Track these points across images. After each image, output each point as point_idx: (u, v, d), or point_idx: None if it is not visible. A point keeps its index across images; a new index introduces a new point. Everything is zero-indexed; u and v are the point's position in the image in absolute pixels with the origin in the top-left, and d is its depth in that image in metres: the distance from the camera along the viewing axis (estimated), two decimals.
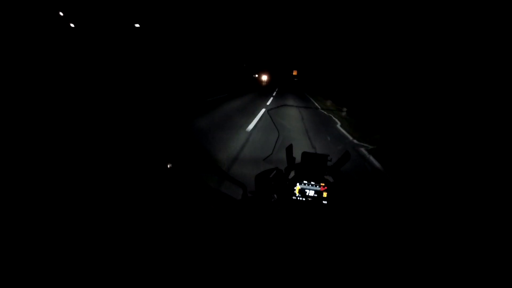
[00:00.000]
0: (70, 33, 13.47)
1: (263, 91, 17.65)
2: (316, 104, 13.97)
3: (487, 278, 0.98)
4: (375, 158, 3.76)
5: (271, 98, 13.42)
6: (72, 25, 13.83)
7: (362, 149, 4.66)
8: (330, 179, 1.31)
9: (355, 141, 5.39)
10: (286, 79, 43.64)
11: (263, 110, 8.45)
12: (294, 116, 8.13)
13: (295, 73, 42.12)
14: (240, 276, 0.91)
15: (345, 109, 10.06)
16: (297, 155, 1.36)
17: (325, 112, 10.33)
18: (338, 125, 7.44)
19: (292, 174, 1.34)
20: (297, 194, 1.28)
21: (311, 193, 1.28)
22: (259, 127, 5.62)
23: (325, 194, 1.27)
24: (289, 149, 1.38)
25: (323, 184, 1.28)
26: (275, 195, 1.30)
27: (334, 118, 8.72)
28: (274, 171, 1.33)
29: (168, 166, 1.16)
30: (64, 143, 2.97)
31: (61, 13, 12.83)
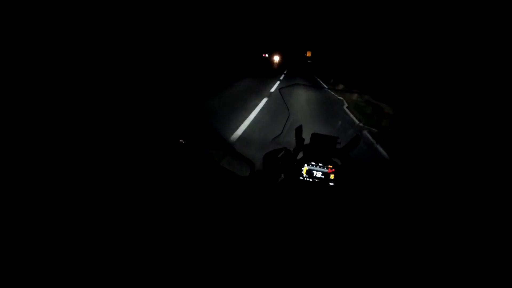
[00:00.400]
0: None
1: (267, 76, 14.64)
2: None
3: (487, 277, 0.98)
4: (382, 147, 3.70)
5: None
6: None
7: (366, 132, 4.56)
8: (338, 161, 1.32)
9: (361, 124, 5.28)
10: (298, 60, 38.30)
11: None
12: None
13: (309, 54, 36.67)
14: (245, 254, 0.94)
15: (341, 86, 11.62)
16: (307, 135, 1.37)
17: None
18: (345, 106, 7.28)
19: (300, 155, 1.35)
20: (304, 175, 1.29)
21: (318, 174, 1.29)
22: None
23: (332, 176, 1.29)
24: (299, 129, 1.38)
25: (331, 166, 1.29)
26: (283, 175, 1.32)
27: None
28: (283, 151, 1.34)
29: (181, 141, 1.18)
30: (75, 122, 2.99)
31: None
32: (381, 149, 3.56)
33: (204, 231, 1.01)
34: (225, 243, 0.97)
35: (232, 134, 3.63)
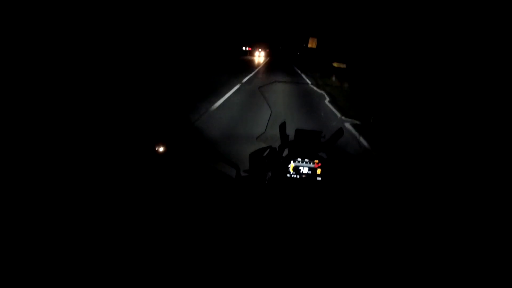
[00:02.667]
0: None
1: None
2: None
3: (486, 276, 0.98)
4: (364, 139, 3.74)
5: None
6: None
7: (348, 125, 4.61)
8: (324, 155, 1.32)
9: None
10: (295, 54, 24.11)
11: None
12: None
13: (312, 44, 19.93)
14: (237, 257, 0.92)
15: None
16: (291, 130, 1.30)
17: None
18: None
19: (286, 152, 1.33)
20: (291, 172, 1.28)
21: (305, 170, 1.28)
22: None
23: (319, 171, 1.28)
24: (282, 126, 1.37)
25: (317, 161, 1.28)
26: (270, 173, 1.30)
27: None
28: (268, 150, 1.32)
29: (161, 149, 1.14)
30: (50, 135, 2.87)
31: None
32: (363, 141, 3.60)
33: (195, 234, 0.98)
34: (217, 245, 0.95)
35: None
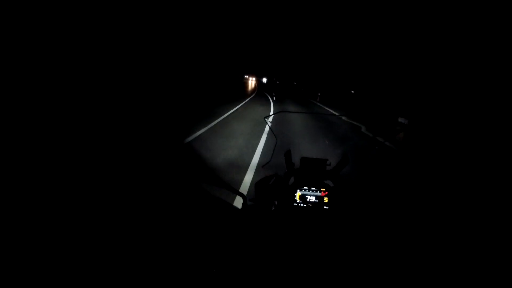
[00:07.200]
0: None
1: None
2: None
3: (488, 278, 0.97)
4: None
5: None
6: None
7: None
8: (330, 183, 1.30)
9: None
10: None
11: None
12: None
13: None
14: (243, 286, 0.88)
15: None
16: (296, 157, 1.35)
17: None
18: None
19: (291, 180, 1.33)
20: (298, 201, 1.26)
21: (312, 199, 1.26)
22: None
23: (326, 199, 1.26)
24: (288, 154, 1.37)
25: (324, 189, 1.26)
26: (276, 202, 1.28)
27: None
28: (274, 178, 1.32)
29: (166, 176, 1.13)
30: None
31: None
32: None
33: (196, 270, 0.94)
34: (223, 274, 0.91)
35: None
